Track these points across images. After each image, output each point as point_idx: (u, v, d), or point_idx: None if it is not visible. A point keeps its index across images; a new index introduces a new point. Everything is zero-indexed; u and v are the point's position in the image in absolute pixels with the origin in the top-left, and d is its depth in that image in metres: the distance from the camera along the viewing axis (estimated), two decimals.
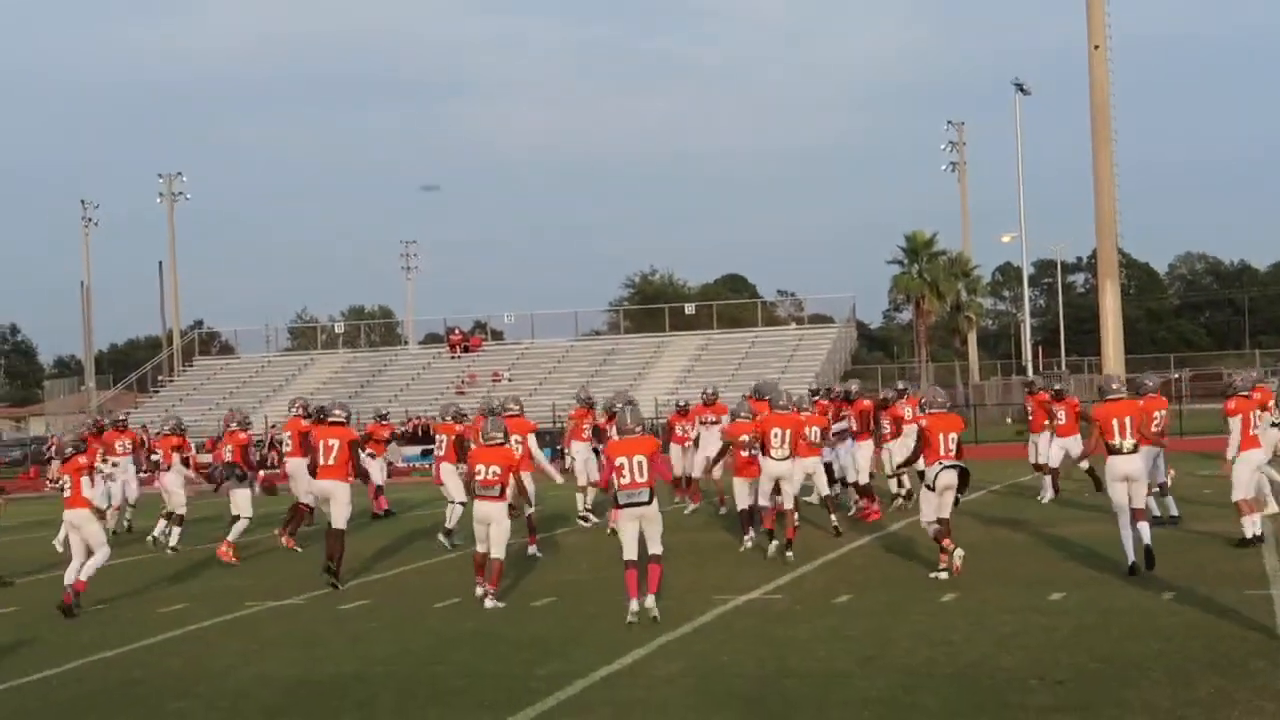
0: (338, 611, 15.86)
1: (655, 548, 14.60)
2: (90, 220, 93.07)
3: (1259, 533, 17.74)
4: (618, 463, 14.55)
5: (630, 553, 14.45)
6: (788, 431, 18.69)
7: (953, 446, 16.63)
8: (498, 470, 15.50)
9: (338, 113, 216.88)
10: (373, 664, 12.51)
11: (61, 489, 17.55)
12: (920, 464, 17.33)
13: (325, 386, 72.18)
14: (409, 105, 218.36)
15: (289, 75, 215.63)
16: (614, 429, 20.69)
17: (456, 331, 77.40)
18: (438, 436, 22.85)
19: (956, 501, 16.78)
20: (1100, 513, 21.85)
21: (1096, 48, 54.30)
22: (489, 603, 15.54)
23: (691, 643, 12.84)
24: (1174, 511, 20.77)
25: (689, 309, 78.27)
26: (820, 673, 11.27)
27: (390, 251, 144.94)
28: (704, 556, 19.11)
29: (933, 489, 16.53)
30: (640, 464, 14.47)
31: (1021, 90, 78.46)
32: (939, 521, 16.49)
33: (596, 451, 22.76)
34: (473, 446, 17.22)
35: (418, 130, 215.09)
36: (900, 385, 25.57)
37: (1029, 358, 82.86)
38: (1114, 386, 16.74)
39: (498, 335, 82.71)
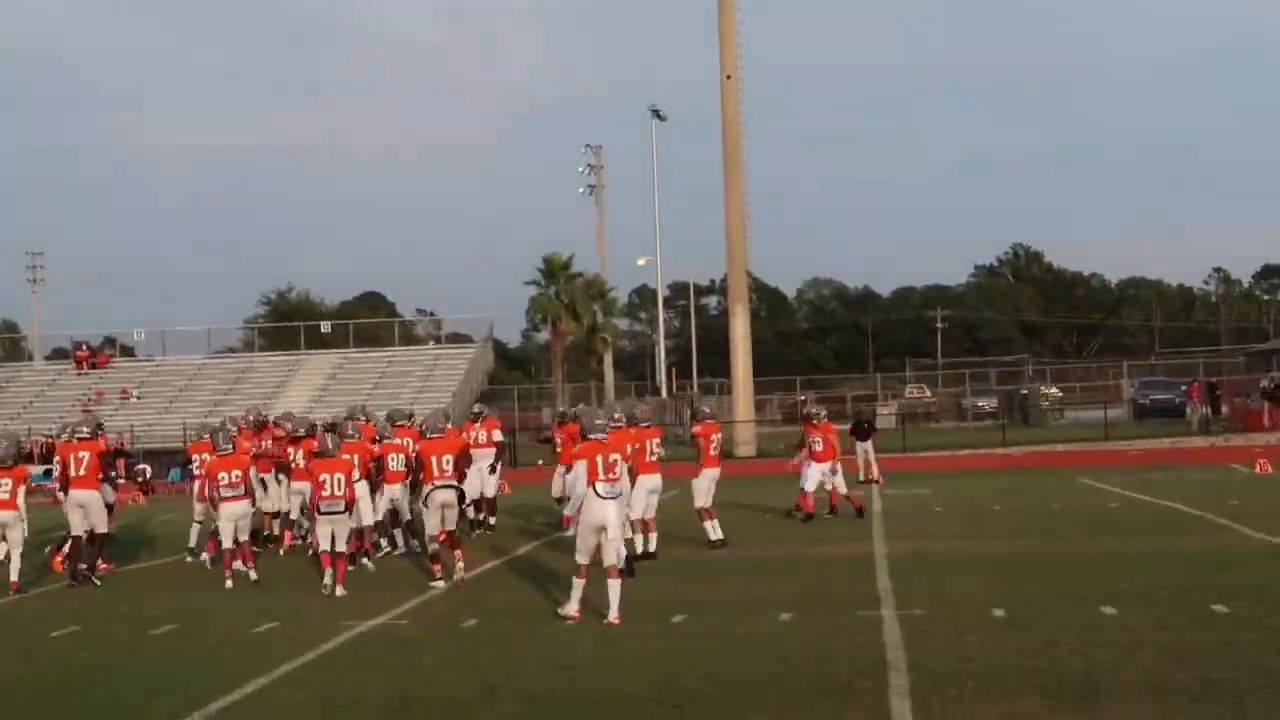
0: None
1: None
2: None
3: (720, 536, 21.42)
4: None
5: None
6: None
7: (447, 467, 18.18)
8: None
9: None
10: None
11: None
12: None
13: None
14: (42, 110, 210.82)
15: None
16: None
17: (84, 347, 75.10)
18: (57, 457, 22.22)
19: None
20: (728, 536, 22.39)
21: (729, 78, 55.49)
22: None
23: (315, 670, 12.72)
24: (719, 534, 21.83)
25: (325, 327, 77.40)
26: (445, 700, 11.29)
27: (15, 263, 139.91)
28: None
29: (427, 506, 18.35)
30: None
31: (658, 116, 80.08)
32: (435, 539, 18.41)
33: None
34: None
35: (49, 136, 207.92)
36: (475, 409, 26.12)
37: (664, 379, 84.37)
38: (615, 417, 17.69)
39: (128, 351, 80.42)
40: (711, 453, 21.79)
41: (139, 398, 66.54)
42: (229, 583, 19.06)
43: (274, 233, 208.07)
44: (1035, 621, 13.92)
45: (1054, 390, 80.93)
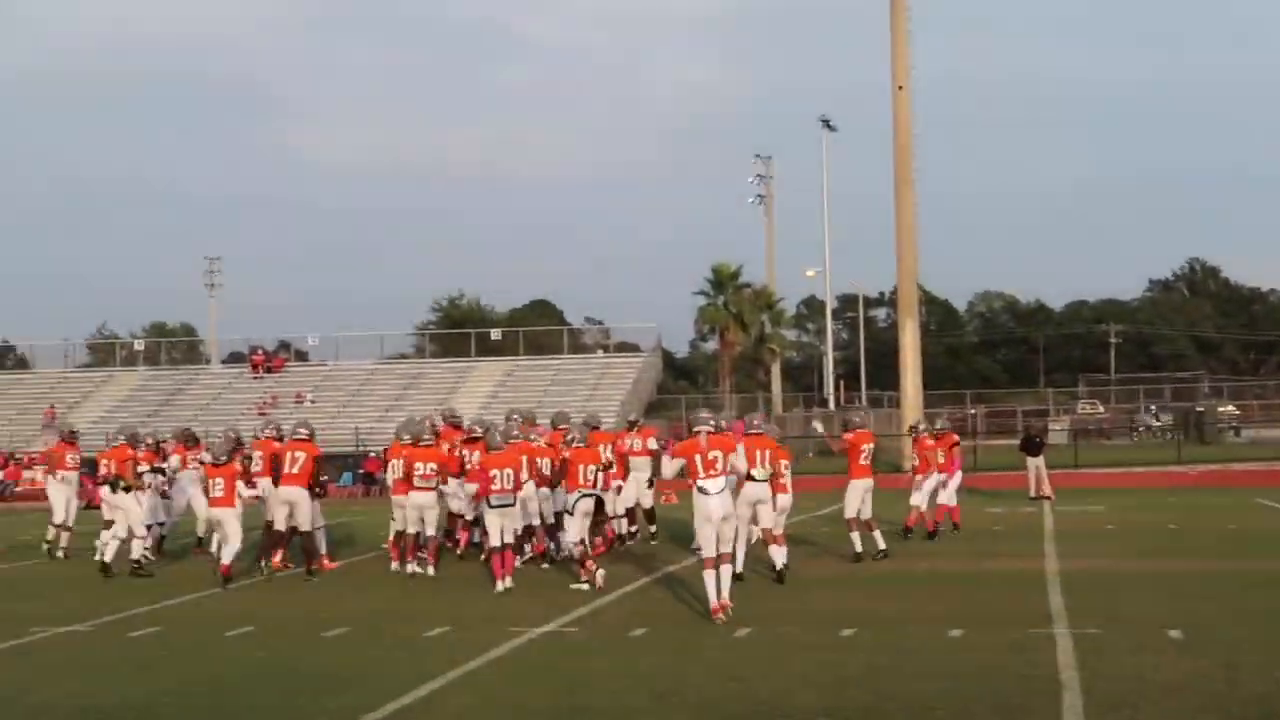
0: (127, 639, 15.56)
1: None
2: None
3: (859, 550, 21.22)
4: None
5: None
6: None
7: (591, 475, 18.95)
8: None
9: (143, 123, 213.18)
10: (159, 694, 12.28)
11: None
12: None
13: (123, 404, 70.83)
14: (218, 119, 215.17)
15: (94, 86, 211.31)
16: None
17: (259, 352, 76.44)
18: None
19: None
20: (892, 549, 22.24)
21: (900, 88, 55.12)
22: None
23: (484, 676, 12.80)
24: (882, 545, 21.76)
25: (495, 334, 78.13)
26: (613, 709, 11.30)
27: (194, 268, 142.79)
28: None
29: (571, 513, 18.99)
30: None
31: (828, 126, 79.85)
32: (582, 542, 18.84)
33: None
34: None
35: (225, 144, 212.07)
36: (631, 417, 26.01)
37: (831, 390, 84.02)
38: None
39: (302, 356, 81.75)
40: (862, 462, 21.49)
41: (313, 402, 67.59)
42: (410, 568, 20.66)
43: (446, 240, 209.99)
44: (1213, 643, 13.61)
45: (1230, 408, 79.35)
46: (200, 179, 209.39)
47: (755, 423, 19.88)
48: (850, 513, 21.57)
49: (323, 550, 22.14)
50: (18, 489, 54.27)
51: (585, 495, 18.95)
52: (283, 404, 67.23)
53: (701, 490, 15.71)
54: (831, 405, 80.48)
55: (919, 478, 24.83)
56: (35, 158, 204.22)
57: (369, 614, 16.90)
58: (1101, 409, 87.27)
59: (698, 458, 15.81)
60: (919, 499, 24.77)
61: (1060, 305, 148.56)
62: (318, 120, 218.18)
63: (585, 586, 18.35)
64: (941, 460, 25.19)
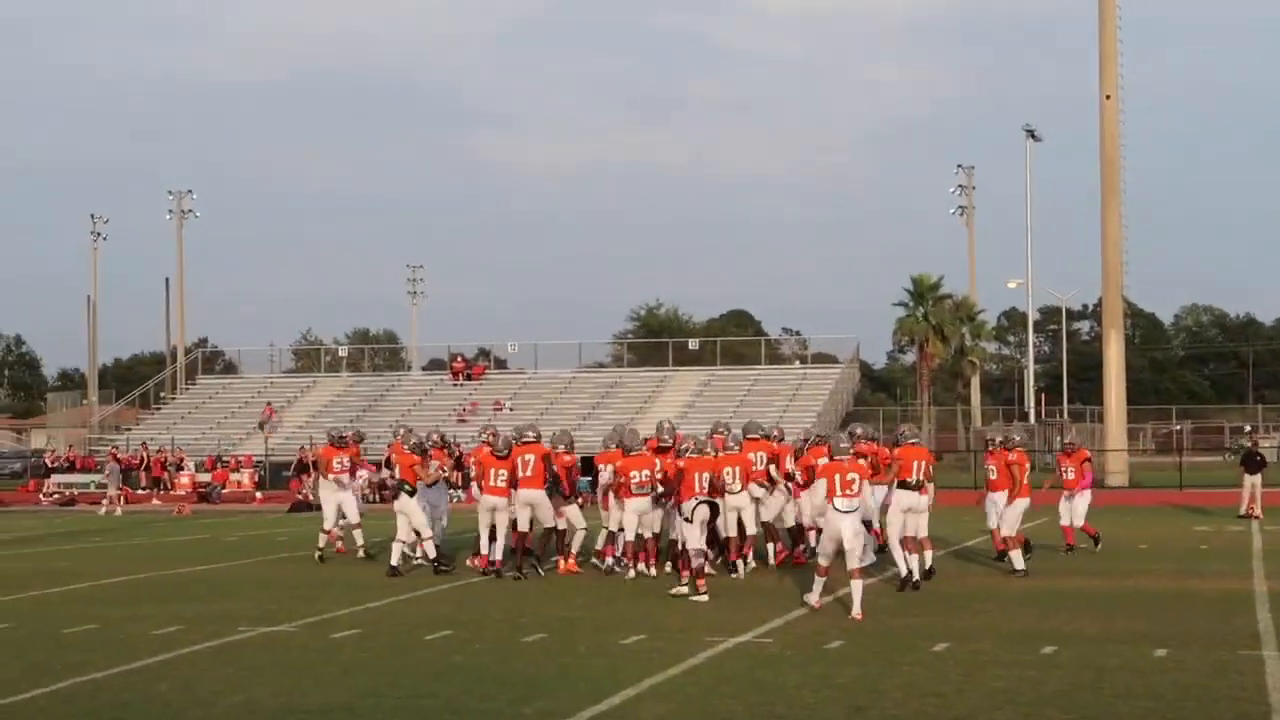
0: (329, 640, 15.80)
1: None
2: (99, 234, 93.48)
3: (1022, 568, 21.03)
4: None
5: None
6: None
7: (705, 484, 19.63)
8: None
9: (349, 134, 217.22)
10: (361, 695, 12.46)
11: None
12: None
13: (327, 409, 72.17)
14: (422, 129, 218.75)
15: (304, 96, 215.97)
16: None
17: (460, 359, 77.43)
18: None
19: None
20: (1095, 567, 21.89)
21: (1108, 98, 54.40)
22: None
23: (681, 685, 12.80)
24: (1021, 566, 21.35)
25: (693, 344, 78.26)
26: None
27: (397, 275, 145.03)
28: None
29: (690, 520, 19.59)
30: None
31: (1033, 136, 78.72)
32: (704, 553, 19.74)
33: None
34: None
35: (428, 154, 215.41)
36: (816, 433, 25.86)
37: (1032, 404, 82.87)
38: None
39: (501, 363, 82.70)
40: (1025, 481, 21.53)
41: (511, 409, 68.18)
42: (631, 573, 21.36)
43: (644, 249, 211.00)
44: None
45: None
46: (403, 187, 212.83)
47: (904, 431, 20.83)
48: (1007, 530, 21.67)
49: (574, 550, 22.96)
50: (224, 491, 55.50)
51: (703, 503, 19.66)
52: (482, 411, 67.99)
53: (835, 509, 17.16)
54: (1032, 419, 79.40)
55: (994, 495, 22.20)
56: (243, 165, 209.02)
57: (567, 620, 17.00)
58: None
59: (837, 477, 17.18)
60: (994, 518, 22.31)
61: (1271, 319, 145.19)
62: (515, 128, 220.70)
63: (704, 598, 18.63)
64: (1071, 476, 24.77)
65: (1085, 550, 24.76)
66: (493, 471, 21.53)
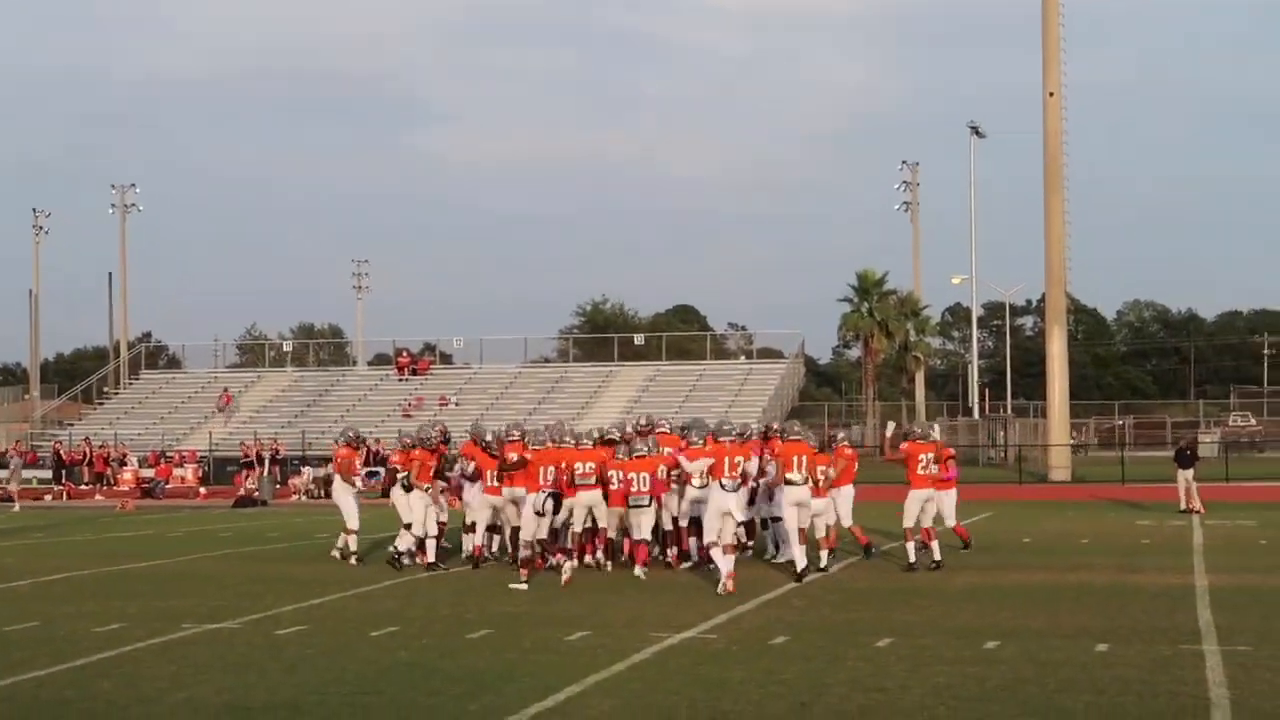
0: (274, 637, 15.74)
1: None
2: (41, 228, 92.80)
3: (914, 561, 21.34)
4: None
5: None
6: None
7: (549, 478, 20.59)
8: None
9: (292, 129, 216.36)
10: (306, 692, 12.42)
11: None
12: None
13: (272, 404, 72.05)
14: (365, 123, 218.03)
15: (248, 89, 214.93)
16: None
17: (405, 354, 77.30)
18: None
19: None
20: (1038, 562, 22.04)
21: (1051, 95, 54.67)
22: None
23: (626, 681, 12.81)
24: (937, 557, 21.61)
25: (638, 339, 78.40)
26: (755, 716, 11.26)
27: (342, 269, 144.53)
28: (643, 591, 19.14)
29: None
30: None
31: (977, 133, 79.21)
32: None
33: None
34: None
35: (372, 148, 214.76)
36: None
37: (976, 399, 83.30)
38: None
39: (446, 358, 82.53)
40: (920, 472, 21.67)
41: (457, 404, 68.13)
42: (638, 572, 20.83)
43: (589, 244, 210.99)
44: None
45: None
46: (347, 182, 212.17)
47: (795, 429, 21.00)
48: (909, 523, 21.64)
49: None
50: (168, 486, 55.22)
51: (549, 495, 20.60)
52: (427, 406, 67.87)
53: (721, 488, 19.25)
54: (976, 414, 79.81)
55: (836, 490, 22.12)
56: (187, 160, 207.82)
57: (512, 616, 17.00)
58: (1254, 421, 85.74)
59: (725, 460, 19.46)
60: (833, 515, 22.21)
61: (1213, 315, 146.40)
62: (462, 124, 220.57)
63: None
64: (935, 473, 22.27)
65: (1029, 546, 24.89)
66: (540, 470, 21.00)
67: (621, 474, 20.81)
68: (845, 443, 23.09)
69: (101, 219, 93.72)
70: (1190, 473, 34.95)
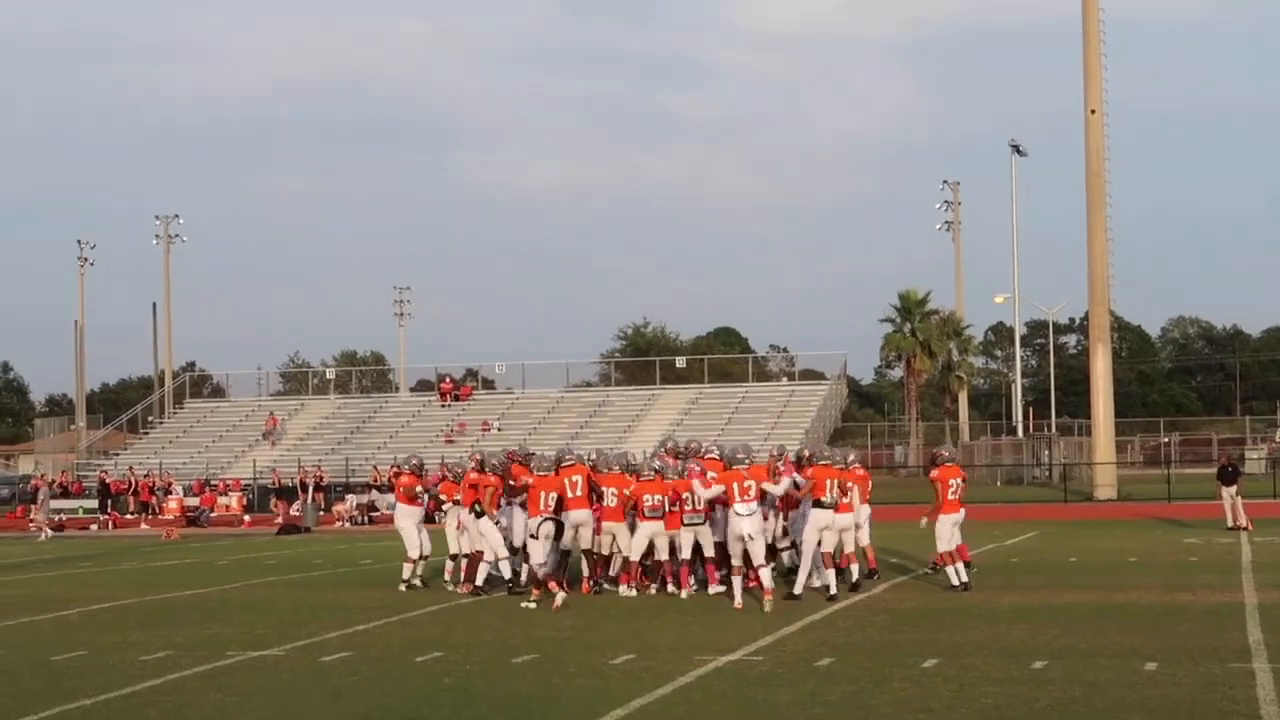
0: (318, 663, 15.76)
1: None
2: (86, 259, 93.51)
3: (964, 580, 21.19)
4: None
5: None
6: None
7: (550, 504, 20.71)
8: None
9: (334, 157, 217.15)
10: (351, 719, 12.43)
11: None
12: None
13: (315, 431, 72.18)
14: (408, 152, 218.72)
15: (291, 119, 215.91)
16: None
17: (447, 380, 77.40)
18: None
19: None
20: (1085, 581, 21.89)
21: (1093, 112, 54.47)
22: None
23: (670, 705, 12.76)
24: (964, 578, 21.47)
25: (680, 362, 78.26)
26: None
27: (384, 297, 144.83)
28: (686, 614, 19.09)
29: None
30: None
31: (1018, 152, 78.83)
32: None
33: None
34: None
35: (414, 176, 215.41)
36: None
37: (1020, 418, 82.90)
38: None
39: (489, 384, 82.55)
40: (950, 497, 21.48)
41: (499, 429, 68.15)
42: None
43: (631, 267, 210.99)
44: None
45: None
46: (389, 208, 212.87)
47: (825, 452, 21.76)
48: (945, 547, 21.49)
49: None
50: (213, 515, 55.41)
51: (546, 520, 20.66)
52: (470, 431, 67.94)
53: (737, 513, 19.74)
54: (1020, 433, 79.45)
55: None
56: (230, 189, 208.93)
57: (557, 641, 16.96)
58: None
59: (735, 485, 19.89)
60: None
61: (1258, 331, 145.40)
62: (504, 149, 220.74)
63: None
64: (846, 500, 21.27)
65: (1076, 565, 24.75)
66: (542, 494, 21.05)
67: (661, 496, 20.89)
68: (856, 464, 22.77)
69: (146, 250, 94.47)
70: (1234, 489, 34.78)
